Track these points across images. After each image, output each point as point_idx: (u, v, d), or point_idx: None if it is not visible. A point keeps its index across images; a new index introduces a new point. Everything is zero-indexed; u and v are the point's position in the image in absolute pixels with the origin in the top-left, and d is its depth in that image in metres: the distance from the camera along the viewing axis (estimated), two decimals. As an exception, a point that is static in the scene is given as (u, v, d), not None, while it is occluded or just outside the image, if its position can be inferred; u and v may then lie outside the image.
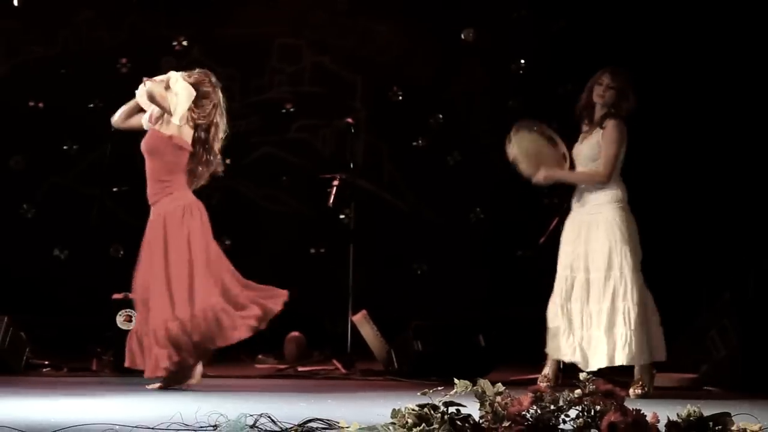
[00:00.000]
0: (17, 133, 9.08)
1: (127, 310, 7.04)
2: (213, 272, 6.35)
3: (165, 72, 6.59)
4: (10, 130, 9.04)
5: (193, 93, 6.39)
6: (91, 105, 8.99)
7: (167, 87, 6.40)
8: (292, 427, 4.03)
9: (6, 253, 8.89)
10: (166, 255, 6.34)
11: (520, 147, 6.59)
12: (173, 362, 6.21)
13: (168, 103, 6.36)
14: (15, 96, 9.01)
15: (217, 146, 6.51)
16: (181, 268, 6.28)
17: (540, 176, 6.57)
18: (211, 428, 4.06)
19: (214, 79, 6.54)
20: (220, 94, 6.53)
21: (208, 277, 6.31)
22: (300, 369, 7.75)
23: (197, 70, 6.55)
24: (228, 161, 9.06)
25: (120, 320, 7.17)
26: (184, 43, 9.15)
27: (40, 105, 9.11)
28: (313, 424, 4.11)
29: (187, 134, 6.43)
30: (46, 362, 7.41)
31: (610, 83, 6.51)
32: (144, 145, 6.52)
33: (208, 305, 6.23)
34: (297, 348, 8.31)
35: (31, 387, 6.27)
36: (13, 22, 9.01)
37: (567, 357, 6.47)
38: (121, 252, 9.01)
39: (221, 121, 6.49)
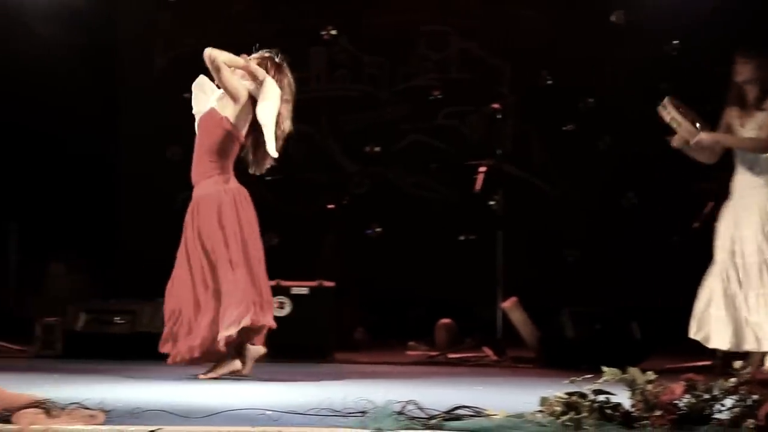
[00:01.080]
0: (174, 124, 9.29)
1: (280, 297, 7.14)
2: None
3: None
4: (168, 122, 9.27)
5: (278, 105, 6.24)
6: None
7: (253, 78, 6.26)
8: (439, 414, 4.02)
9: (164, 241, 9.11)
10: (190, 241, 6.25)
11: (678, 111, 6.40)
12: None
13: (232, 86, 6.21)
14: (172, 88, 9.23)
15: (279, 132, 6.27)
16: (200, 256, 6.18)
17: (702, 137, 6.33)
18: (359, 414, 4.08)
19: (279, 61, 6.39)
20: (287, 80, 6.38)
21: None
22: (450, 356, 7.75)
23: (262, 52, 6.41)
24: (377, 149, 9.21)
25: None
26: (333, 32, 9.21)
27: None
28: (461, 411, 4.10)
29: (244, 117, 6.26)
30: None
31: (743, 60, 6.31)
32: (199, 119, 6.42)
33: None
34: (448, 335, 8.31)
35: (184, 372, 6.41)
36: (169, 16, 9.23)
37: (729, 344, 6.29)
38: (275, 240, 9.14)
39: (284, 108, 6.31)
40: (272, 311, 6.20)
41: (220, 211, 6.21)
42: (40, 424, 3.93)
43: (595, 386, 3.92)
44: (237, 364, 6.07)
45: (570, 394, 3.94)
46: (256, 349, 6.13)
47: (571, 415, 3.87)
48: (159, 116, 9.22)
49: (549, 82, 9.26)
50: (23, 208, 8.95)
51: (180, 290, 6.12)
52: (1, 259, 8.99)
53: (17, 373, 6.07)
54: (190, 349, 6.01)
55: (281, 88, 6.30)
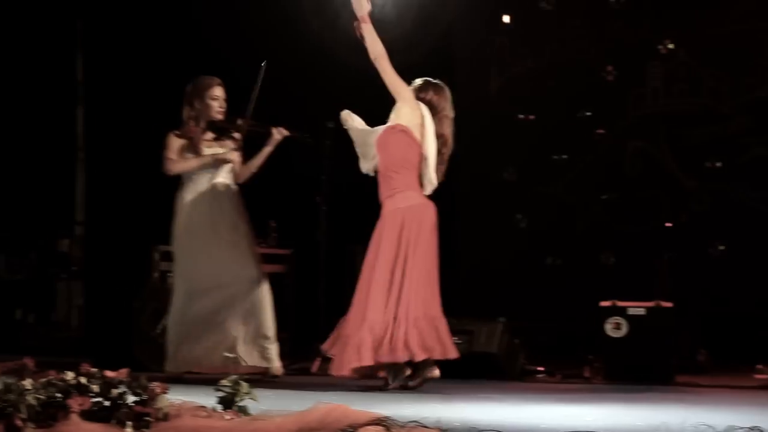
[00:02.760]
0: (509, 145, 9.38)
1: (616, 317, 7.02)
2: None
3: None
4: (504, 143, 9.36)
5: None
6: (578, 115, 9.09)
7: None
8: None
9: (502, 261, 9.21)
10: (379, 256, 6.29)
11: None
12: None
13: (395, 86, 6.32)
14: (506, 109, 9.32)
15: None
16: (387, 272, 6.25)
17: None
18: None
19: (437, 82, 6.54)
20: (446, 94, 6.55)
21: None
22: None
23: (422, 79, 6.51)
24: (718, 164, 8.88)
25: (609, 328, 7.18)
26: (670, 46, 8.98)
27: (531, 117, 9.32)
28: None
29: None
30: (541, 368, 7.53)
31: None
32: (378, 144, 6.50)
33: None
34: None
35: (525, 393, 6.41)
36: (504, 39, 9.32)
37: None
38: (612, 259, 9.01)
39: (447, 127, 6.54)
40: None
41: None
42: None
43: None
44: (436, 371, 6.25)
45: None
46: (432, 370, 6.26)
47: None
48: (494, 137, 9.32)
49: None
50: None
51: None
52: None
53: (357, 391, 6.29)
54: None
55: (443, 106, 6.48)
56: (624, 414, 5.44)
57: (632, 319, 7.16)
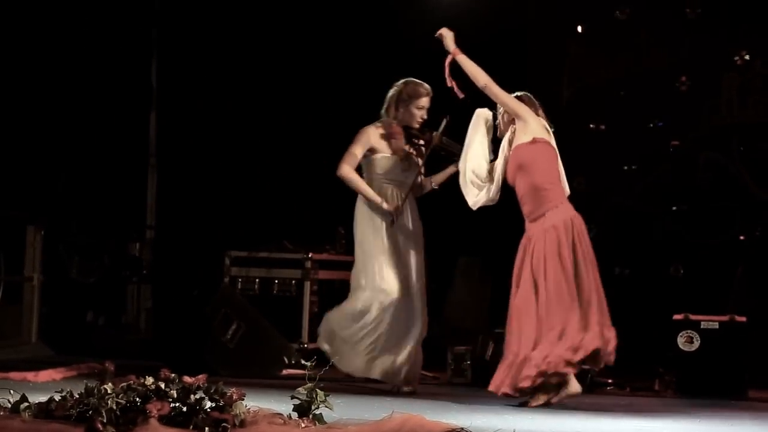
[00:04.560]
0: (580, 154, 9.31)
1: (689, 331, 6.96)
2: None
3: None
4: (575, 152, 9.29)
5: None
6: (651, 125, 9.02)
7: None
8: None
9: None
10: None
11: None
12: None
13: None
14: (579, 119, 9.26)
15: None
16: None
17: None
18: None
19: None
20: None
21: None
22: None
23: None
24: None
25: (681, 341, 7.12)
26: (746, 57, 8.87)
27: (602, 127, 9.26)
28: None
29: None
30: (610, 380, 7.48)
31: None
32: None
33: None
34: None
35: (595, 404, 6.37)
36: (579, 48, 9.28)
37: None
38: (681, 271, 8.92)
39: None
40: None
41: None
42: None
43: None
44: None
45: None
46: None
47: None
48: (565, 147, 9.26)
49: None
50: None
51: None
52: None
53: (432, 399, 6.29)
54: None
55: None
56: (696, 428, 5.40)
57: (705, 333, 7.09)
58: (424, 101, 6.87)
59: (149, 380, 4.32)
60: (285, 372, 7.45)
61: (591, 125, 9.27)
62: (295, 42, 9.50)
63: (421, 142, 6.85)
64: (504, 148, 6.46)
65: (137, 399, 4.26)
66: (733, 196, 8.89)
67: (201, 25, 9.63)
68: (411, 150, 6.89)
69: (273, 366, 7.40)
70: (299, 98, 9.54)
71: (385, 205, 6.75)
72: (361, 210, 6.86)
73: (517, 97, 6.48)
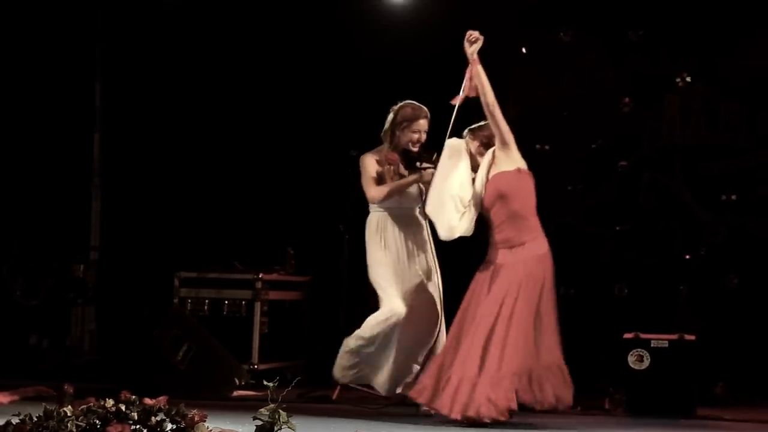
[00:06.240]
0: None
1: (639, 349, 7.02)
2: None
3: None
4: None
5: None
6: (594, 145, 9.11)
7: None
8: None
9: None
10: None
11: None
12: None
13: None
14: (524, 139, 9.31)
15: None
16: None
17: None
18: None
19: None
20: None
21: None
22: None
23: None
24: (734, 197, 8.89)
25: (631, 360, 7.18)
26: (687, 79, 9.00)
27: (547, 147, 9.32)
28: None
29: None
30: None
31: None
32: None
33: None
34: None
35: (545, 424, 6.39)
36: (522, 68, 9.35)
37: None
38: (626, 291, 9.00)
39: None
40: None
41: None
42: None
43: None
44: None
45: None
46: None
47: None
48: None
49: None
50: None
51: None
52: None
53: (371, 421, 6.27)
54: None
55: None
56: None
57: (655, 352, 7.17)
58: (422, 124, 6.84)
59: (109, 402, 4.27)
60: (236, 393, 7.41)
61: (536, 146, 9.34)
62: (242, 60, 9.47)
63: (425, 165, 6.78)
64: (482, 177, 6.43)
65: (97, 421, 4.20)
66: (676, 216, 9.01)
67: (146, 44, 9.57)
68: (410, 172, 6.85)
69: (224, 387, 7.35)
70: (247, 116, 9.51)
71: (411, 177, 6.76)
72: (370, 230, 6.85)
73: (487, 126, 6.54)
